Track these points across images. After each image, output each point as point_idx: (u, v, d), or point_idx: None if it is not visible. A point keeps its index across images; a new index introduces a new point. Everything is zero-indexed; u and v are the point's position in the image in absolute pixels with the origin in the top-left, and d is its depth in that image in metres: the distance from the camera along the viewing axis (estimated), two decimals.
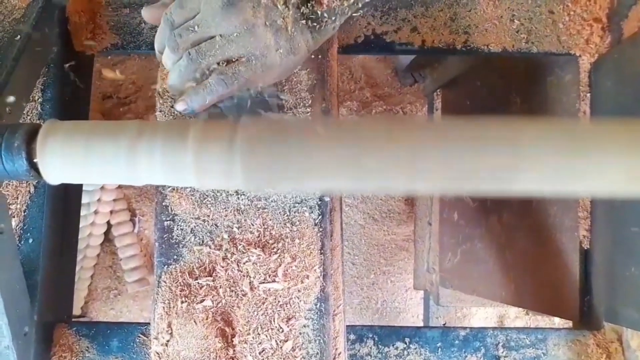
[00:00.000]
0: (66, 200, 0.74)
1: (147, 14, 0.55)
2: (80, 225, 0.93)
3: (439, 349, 0.70)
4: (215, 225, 0.62)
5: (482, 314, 1.49)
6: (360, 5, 0.51)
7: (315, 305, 0.61)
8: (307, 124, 0.47)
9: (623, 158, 0.42)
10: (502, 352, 0.70)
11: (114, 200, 1.41)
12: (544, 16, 0.73)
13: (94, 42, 0.73)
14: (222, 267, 0.61)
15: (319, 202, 0.62)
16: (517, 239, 0.89)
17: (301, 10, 0.49)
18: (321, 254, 0.61)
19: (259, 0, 0.48)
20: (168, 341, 0.61)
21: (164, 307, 0.61)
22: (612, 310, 0.67)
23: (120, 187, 1.43)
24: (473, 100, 1.09)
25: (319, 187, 0.59)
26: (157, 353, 0.61)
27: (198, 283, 0.62)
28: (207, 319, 0.61)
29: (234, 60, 0.50)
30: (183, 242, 0.62)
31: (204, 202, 0.62)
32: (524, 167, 0.42)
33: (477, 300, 1.08)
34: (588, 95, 0.72)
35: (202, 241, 0.62)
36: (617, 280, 0.66)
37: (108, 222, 1.43)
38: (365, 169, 0.44)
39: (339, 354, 0.62)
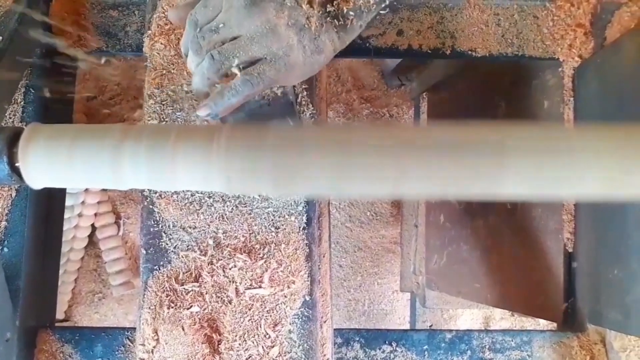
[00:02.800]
0: (49, 204, 0.73)
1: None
2: (64, 229, 0.92)
3: (426, 352, 0.70)
4: (201, 230, 0.62)
5: (468, 316, 1.50)
6: (387, 2, 0.51)
7: (302, 311, 0.61)
8: (292, 129, 0.47)
9: (604, 163, 0.43)
10: (488, 355, 0.70)
11: (98, 202, 1.40)
12: (529, 21, 0.74)
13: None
14: (208, 273, 0.61)
15: (306, 208, 0.62)
16: (502, 241, 0.90)
17: (327, 9, 0.49)
18: (308, 259, 0.61)
19: (283, 0, 0.47)
20: (154, 347, 0.61)
21: (150, 313, 0.61)
22: (595, 312, 0.68)
23: (104, 189, 1.42)
24: (459, 104, 1.09)
25: (304, 192, 0.59)
26: None
27: (184, 289, 0.61)
28: (193, 325, 0.60)
29: (256, 60, 0.49)
30: (169, 248, 0.62)
31: (190, 208, 0.62)
32: (508, 172, 0.43)
33: (463, 302, 1.09)
34: (571, 99, 0.73)
35: (188, 246, 0.62)
36: (600, 282, 0.67)
37: (92, 225, 1.41)
38: (350, 174, 0.44)
39: None
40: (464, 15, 0.75)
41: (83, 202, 1.36)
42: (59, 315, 1.39)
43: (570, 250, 0.73)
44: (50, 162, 0.45)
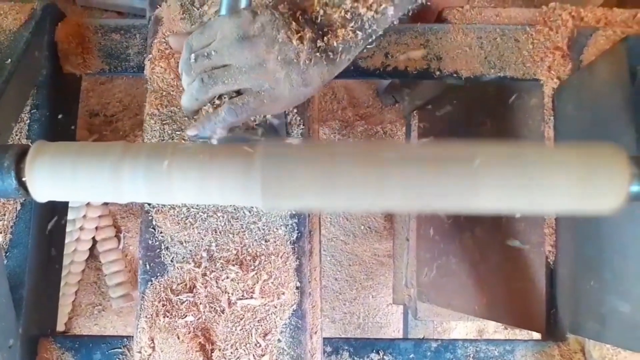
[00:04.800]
0: (52, 217, 0.76)
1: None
2: (66, 242, 0.95)
3: None
4: (196, 244, 0.65)
5: (462, 329, 1.51)
6: (374, 37, 0.54)
7: (291, 321, 0.63)
8: (279, 146, 0.50)
9: (573, 179, 0.46)
10: None
11: (100, 216, 1.43)
12: (510, 44, 0.78)
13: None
14: (202, 284, 0.64)
15: (297, 222, 0.65)
16: (488, 254, 0.93)
17: (317, 44, 0.52)
18: (297, 271, 0.64)
19: (275, 36, 0.50)
20: (150, 355, 0.64)
21: (146, 322, 0.64)
22: (575, 322, 0.71)
23: (105, 203, 1.45)
24: (447, 122, 1.13)
25: (292, 205, 0.62)
26: None
27: (179, 299, 0.64)
28: (188, 333, 0.63)
29: (243, 90, 0.52)
30: (166, 260, 0.65)
31: (186, 222, 0.65)
32: (481, 187, 0.46)
33: (453, 314, 1.11)
34: (551, 118, 0.77)
35: (183, 259, 0.65)
36: (578, 293, 0.69)
37: (93, 238, 1.44)
38: (333, 189, 0.47)
39: None
40: (449, 38, 0.78)
41: (84, 216, 1.39)
42: (59, 327, 1.41)
43: (552, 262, 0.76)
44: (55, 177, 0.48)
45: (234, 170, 0.48)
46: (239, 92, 0.53)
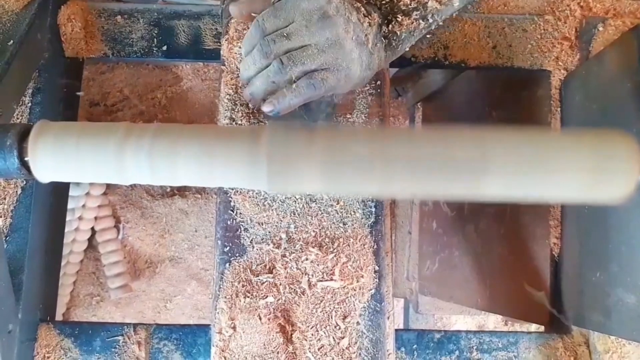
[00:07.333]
0: (53, 202, 0.75)
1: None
2: (65, 231, 0.94)
3: (415, 351, 0.72)
4: (274, 225, 0.65)
5: (462, 324, 1.51)
6: (433, 27, 0.55)
7: (370, 304, 0.63)
8: (287, 130, 0.49)
9: (582, 166, 0.46)
10: (476, 355, 0.72)
11: (99, 206, 1.42)
12: (518, 34, 0.77)
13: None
14: (282, 265, 0.63)
15: (374, 205, 0.65)
16: (492, 246, 0.92)
17: (382, 30, 0.53)
18: (375, 255, 0.64)
19: (349, 17, 0.52)
20: (231, 336, 0.63)
21: (226, 303, 0.63)
22: (579, 314, 0.70)
23: (105, 193, 1.44)
24: (451, 113, 1.12)
25: (297, 189, 0.61)
26: (219, 347, 0.62)
27: (259, 280, 0.64)
28: (269, 314, 0.63)
29: (319, 69, 0.53)
30: (245, 241, 0.65)
31: (265, 204, 0.65)
32: (489, 172, 0.45)
33: (455, 308, 1.11)
34: (559, 109, 0.76)
35: (263, 240, 0.65)
36: (583, 285, 0.69)
37: (92, 229, 1.43)
38: (341, 173, 0.47)
39: (389, 355, 0.64)
40: (457, 27, 0.78)
41: (84, 206, 1.38)
42: (57, 317, 1.41)
43: (557, 254, 0.75)
44: (58, 156, 0.47)
45: (239, 153, 0.47)
46: (314, 71, 0.53)
